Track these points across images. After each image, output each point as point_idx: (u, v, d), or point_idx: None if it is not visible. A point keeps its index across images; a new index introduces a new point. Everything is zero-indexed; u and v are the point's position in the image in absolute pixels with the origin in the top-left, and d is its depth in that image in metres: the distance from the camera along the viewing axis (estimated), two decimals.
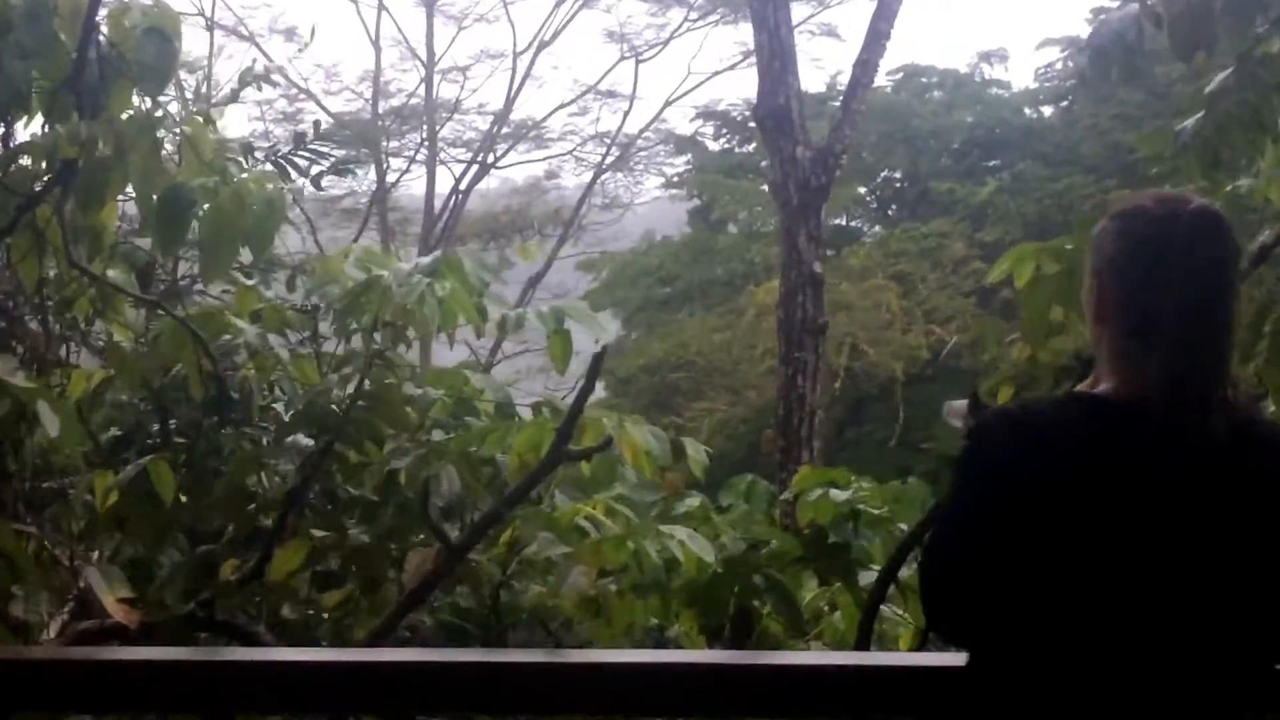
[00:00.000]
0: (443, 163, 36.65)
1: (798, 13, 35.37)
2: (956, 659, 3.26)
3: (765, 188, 27.61)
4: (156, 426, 7.10)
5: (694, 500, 7.82)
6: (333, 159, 11.60)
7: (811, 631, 7.07)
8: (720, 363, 31.14)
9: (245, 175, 6.50)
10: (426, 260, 6.73)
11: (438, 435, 6.74)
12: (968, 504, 3.10)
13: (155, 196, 6.24)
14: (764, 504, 10.09)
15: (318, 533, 5.98)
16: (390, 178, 36.89)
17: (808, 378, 11.25)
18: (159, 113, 6.32)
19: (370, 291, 6.45)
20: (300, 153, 11.69)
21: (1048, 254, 5.78)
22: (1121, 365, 3.18)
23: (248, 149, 11.72)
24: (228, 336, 6.78)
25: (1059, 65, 33.26)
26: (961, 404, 5.71)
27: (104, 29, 6.10)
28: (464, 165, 37.10)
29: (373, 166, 36.44)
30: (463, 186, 36.72)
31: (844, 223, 35.75)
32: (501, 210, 37.92)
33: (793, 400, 11.29)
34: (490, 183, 38.09)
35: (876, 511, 6.15)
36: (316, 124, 12.05)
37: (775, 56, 11.52)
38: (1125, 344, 3.17)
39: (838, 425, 28.37)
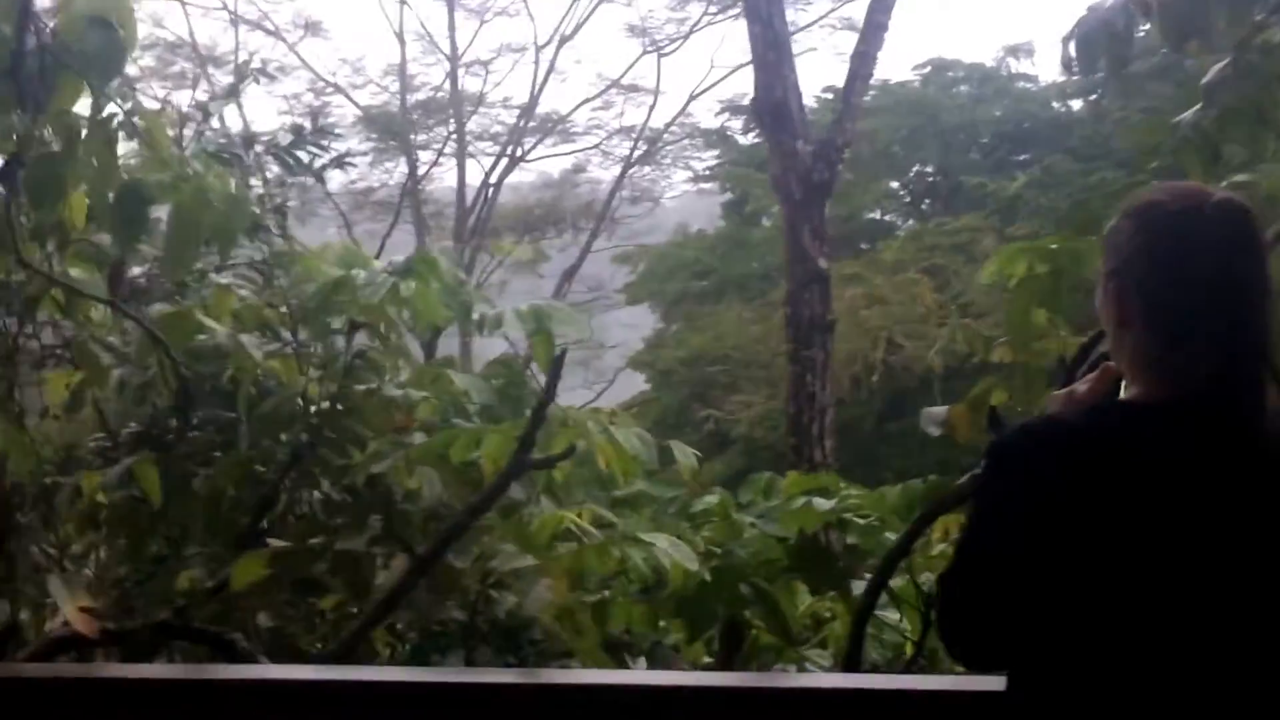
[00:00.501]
0: (471, 156, 36.62)
1: (819, 7, 35.79)
2: (953, 682, 3.05)
3: None
4: (174, 423, 6.86)
5: (713, 497, 7.58)
6: (334, 152, 11.38)
7: (813, 640, 6.80)
8: (758, 355, 30.88)
9: (209, 171, 6.24)
10: (401, 259, 6.49)
11: (421, 438, 6.49)
12: (993, 534, 2.87)
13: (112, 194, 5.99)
14: None
15: (276, 543, 5.70)
16: (420, 171, 36.79)
17: (817, 375, 10.92)
18: (110, 107, 6.03)
19: (340, 291, 6.21)
20: (301, 146, 11.50)
21: (1036, 254, 5.52)
22: (1153, 370, 2.99)
23: (249, 141, 11.52)
24: (203, 337, 6.54)
25: (1075, 75, 32.74)
26: (940, 411, 5.45)
27: (52, 19, 5.81)
28: (492, 159, 37.23)
29: (403, 160, 36.46)
30: (492, 180, 36.76)
31: (878, 217, 35.60)
32: (534, 203, 37.78)
33: (802, 398, 10.97)
34: (523, 176, 38.22)
35: (863, 521, 5.85)
36: (315, 116, 11.92)
37: (770, 48, 11.16)
38: (1155, 348, 2.98)
39: (878, 418, 28.12)
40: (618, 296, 36.97)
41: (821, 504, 5.82)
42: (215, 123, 11.36)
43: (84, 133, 5.73)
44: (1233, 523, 2.83)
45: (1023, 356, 5.34)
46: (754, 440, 29.03)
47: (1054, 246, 5.27)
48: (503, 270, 37.56)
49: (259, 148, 11.90)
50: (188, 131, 9.90)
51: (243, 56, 35.90)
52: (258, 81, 8.86)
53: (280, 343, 6.86)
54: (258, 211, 9.95)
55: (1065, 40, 5.76)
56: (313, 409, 6.39)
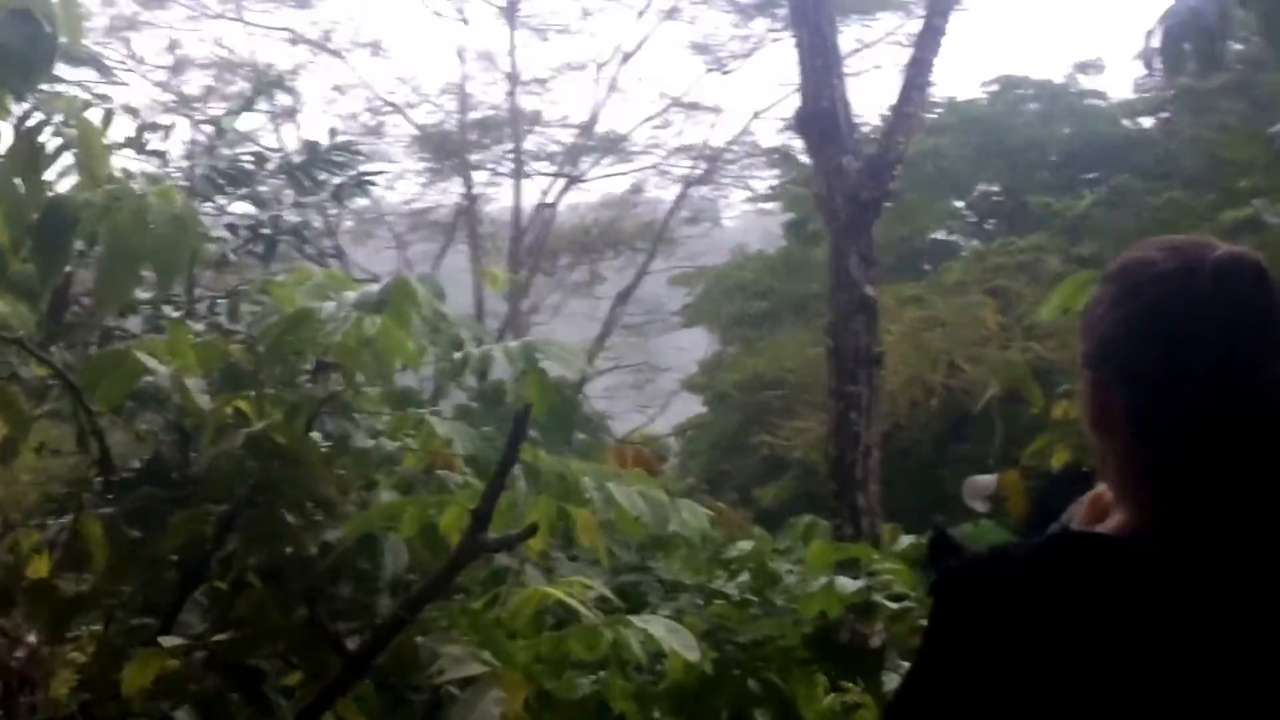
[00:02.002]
0: (527, 175, 36.07)
1: (888, 22, 35.07)
2: None
3: None
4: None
5: (747, 544, 6.78)
6: (354, 172, 10.47)
7: None
8: (815, 379, 29.97)
9: (153, 190, 5.32)
10: (375, 288, 5.57)
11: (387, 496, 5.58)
12: (926, 692, 2.20)
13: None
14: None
15: (170, 641, 4.76)
16: (476, 191, 36.31)
17: (862, 413, 9.86)
18: (38, 114, 5.16)
19: (300, 327, 5.30)
20: (316, 165, 10.58)
21: None
22: (1141, 490, 2.20)
23: (260, 159, 10.62)
24: (149, 378, 5.64)
25: (1158, 75, 31.89)
26: (988, 481, 4.52)
27: None
28: (549, 178, 36.60)
29: (459, 180, 36.10)
30: (549, 200, 36.15)
31: (941, 237, 34.73)
32: (591, 224, 37.25)
33: (845, 439, 9.92)
34: (580, 195, 37.68)
35: (895, 606, 4.88)
36: (332, 133, 11.05)
37: (818, 54, 10.12)
38: (1143, 460, 2.19)
39: (937, 441, 27.35)
40: (674, 319, 36.47)
41: (846, 585, 4.86)
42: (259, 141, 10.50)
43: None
44: (1231, 696, 2.07)
45: None
46: (810, 465, 28.23)
47: None
48: (559, 293, 37.00)
49: (271, 165, 11.14)
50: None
51: (299, 76, 35.57)
52: (272, 97, 8.08)
53: (247, 386, 5.97)
54: (227, 237, 9.07)
55: (1148, 35, 4.75)
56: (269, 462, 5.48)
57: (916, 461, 25.42)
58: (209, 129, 12.10)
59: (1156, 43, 4.99)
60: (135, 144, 8.85)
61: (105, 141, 6.07)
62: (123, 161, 9.04)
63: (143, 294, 5.96)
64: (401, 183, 36.89)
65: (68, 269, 5.72)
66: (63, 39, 5.41)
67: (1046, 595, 2.09)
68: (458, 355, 5.67)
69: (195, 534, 5.48)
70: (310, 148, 10.45)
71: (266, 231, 10.55)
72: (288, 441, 5.26)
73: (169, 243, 5.16)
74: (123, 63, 34.12)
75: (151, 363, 5.47)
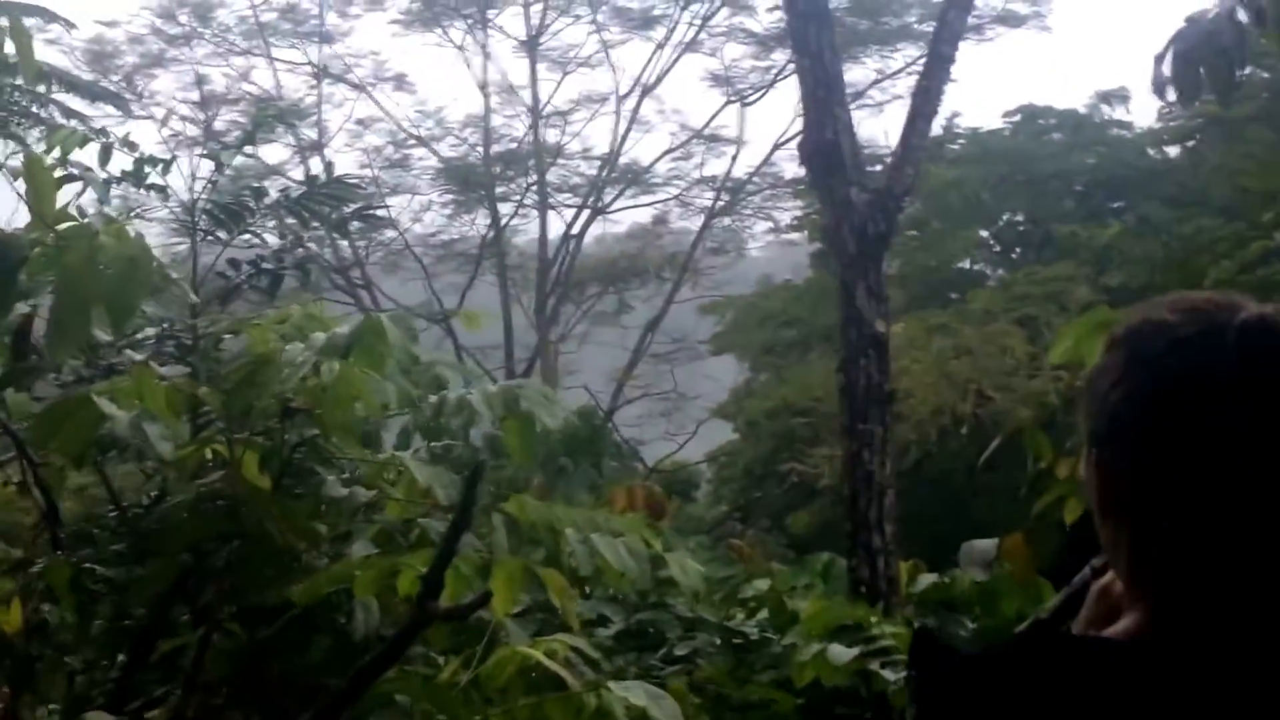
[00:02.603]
0: (552, 207, 35.88)
1: (909, 53, 34.77)
2: None
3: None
4: None
5: (763, 583, 6.49)
6: (355, 204, 10.10)
7: None
8: None
9: (107, 229, 4.96)
10: (345, 330, 5.20)
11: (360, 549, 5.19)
12: None
13: None
14: (842, 584, 9.03)
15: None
16: (502, 222, 36.16)
17: (875, 452, 9.42)
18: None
19: (263, 371, 4.93)
20: (315, 199, 10.20)
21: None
22: (1153, 587, 1.85)
23: (259, 193, 10.26)
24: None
25: (1171, 102, 31.53)
26: (986, 546, 4.13)
27: None
28: (573, 210, 36.58)
29: (484, 212, 36.01)
30: (574, 231, 36.19)
31: (967, 266, 34.39)
32: (617, 254, 37.02)
33: (859, 479, 9.47)
34: (606, 226, 37.61)
35: (893, 677, 4.46)
36: (329, 167, 10.70)
37: (820, 85, 9.67)
38: (1153, 553, 1.85)
39: (968, 471, 26.89)
40: (702, 348, 36.23)
41: (841, 654, 4.44)
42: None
43: None
44: None
45: None
46: (839, 492, 27.82)
47: None
48: (587, 322, 36.77)
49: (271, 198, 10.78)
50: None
51: (326, 110, 35.49)
52: (272, 130, 7.75)
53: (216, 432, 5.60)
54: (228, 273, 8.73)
55: (1159, 59, 4.35)
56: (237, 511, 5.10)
57: (949, 491, 24.99)
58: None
59: (1168, 68, 4.59)
60: (134, 178, 8.54)
61: (104, 175, 5.84)
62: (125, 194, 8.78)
63: (104, 335, 5.58)
64: (429, 214, 36.85)
65: (25, 311, 5.37)
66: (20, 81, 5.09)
67: (1036, 712, 1.75)
68: (432, 399, 5.32)
69: (160, 585, 5.14)
70: (309, 182, 10.08)
71: (269, 267, 10.19)
72: (252, 491, 4.89)
73: (122, 284, 4.81)
74: (149, 98, 34.17)
75: (110, 409, 5.11)
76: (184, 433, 5.49)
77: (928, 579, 8.21)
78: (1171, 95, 4.53)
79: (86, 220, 5.05)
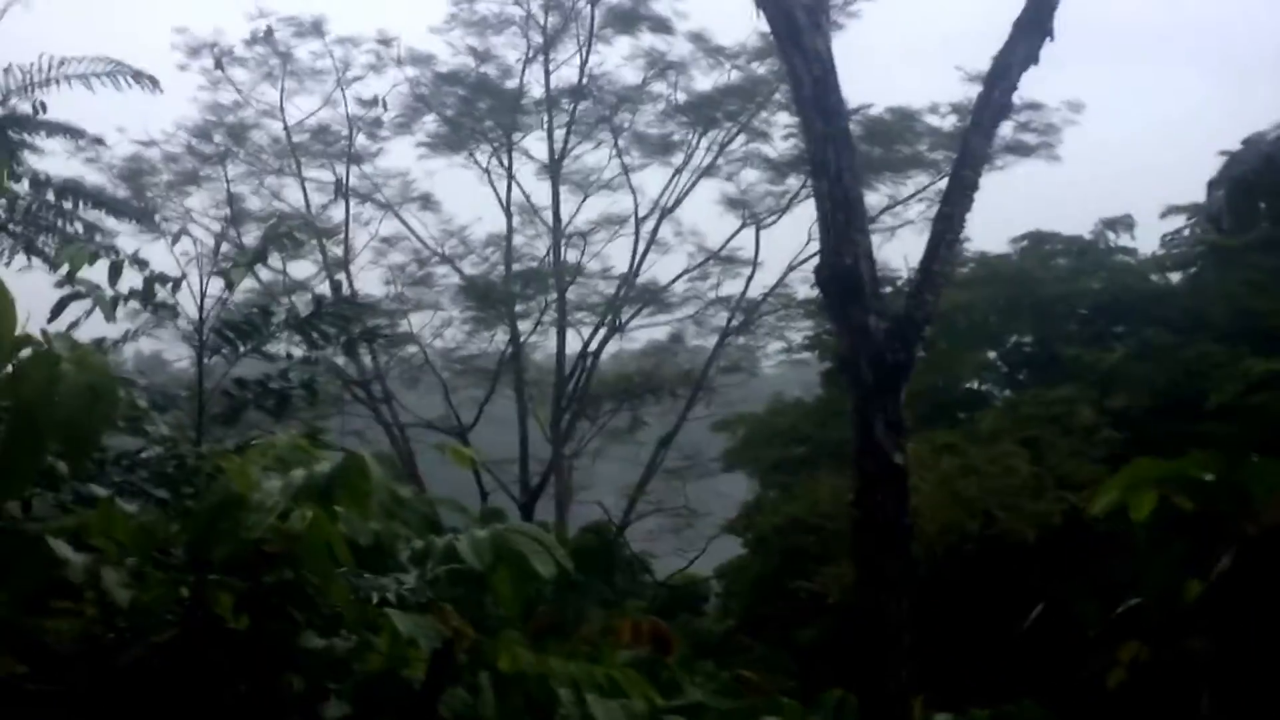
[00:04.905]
0: (570, 325, 35.57)
1: (919, 179, 34.62)
2: None
3: None
4: None
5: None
6: (361, 326, 9.56)
7: None
8: None
9: (70, 356, 4.39)
10: (325, 468, 4.61)
11: None
12: None
13: None
14: None
15: None
16: (521, 339, 35.93)
17: (892, 592, 8.73)
18: None
19: (231, 514, 4.35)
20: (322, 319, 9.67)
21: (1176, 483, 3.52)
22: None
23: (265, 314, 9.74)
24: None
25: (1185, 232, 31.40)
26: None
27: None
28: (591, 327, 36.35)
29: (502, 328, 35.87)
30: (591, 348, 36.09)
31: (975, 387, 34.02)
32: (634, 371, 36.74)
33: (872, 619, 8.74)
34: (622, 343, 37.49)
35: None
36: (336, 287, 10.25)
37: (839, 208, 9.06)
38: None
39: (974, 589, 26.41)
40: (714, 464, 35.82)
41: None
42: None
43: None
44: None
45: None
46: (847, 608, 27.25)
47: (1208, 477, 3.26)
48: (601, 437, 36.42)
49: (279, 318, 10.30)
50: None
51: (354, 228, 35.35)
52: (286, 247, 7.33)
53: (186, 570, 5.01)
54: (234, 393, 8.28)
55: (1213, 186, 3.81)
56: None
57: (954, 610, 24.38)
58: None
59: (1216, 195, 4.05)
60: (144, 296, 8.07)
61: (112, 293, 5.36)
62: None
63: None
64: (450, 330, 36.66)
65: None
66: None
67: None
68: (418, 545, 4.76)
69: None
70: (317, 302, 9.60)
71: (275, 386, 9.64)
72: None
73: (79, 415, 4.24)
74: (183, 215, 34.03)
75: (65, 551, 4.53)
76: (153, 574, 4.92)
77: (942, 718, 7.57)
78: (1224, 224, 3.98)
79: (46, 348, 4.48)
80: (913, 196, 35.01)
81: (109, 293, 6.97)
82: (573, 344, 36.03)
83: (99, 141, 21.15)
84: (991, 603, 24.01)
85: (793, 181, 34.99)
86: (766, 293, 36.51)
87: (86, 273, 6.47)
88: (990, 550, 25.73)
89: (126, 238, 20.01)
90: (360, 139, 35.88)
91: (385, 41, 35.20)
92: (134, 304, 7.76)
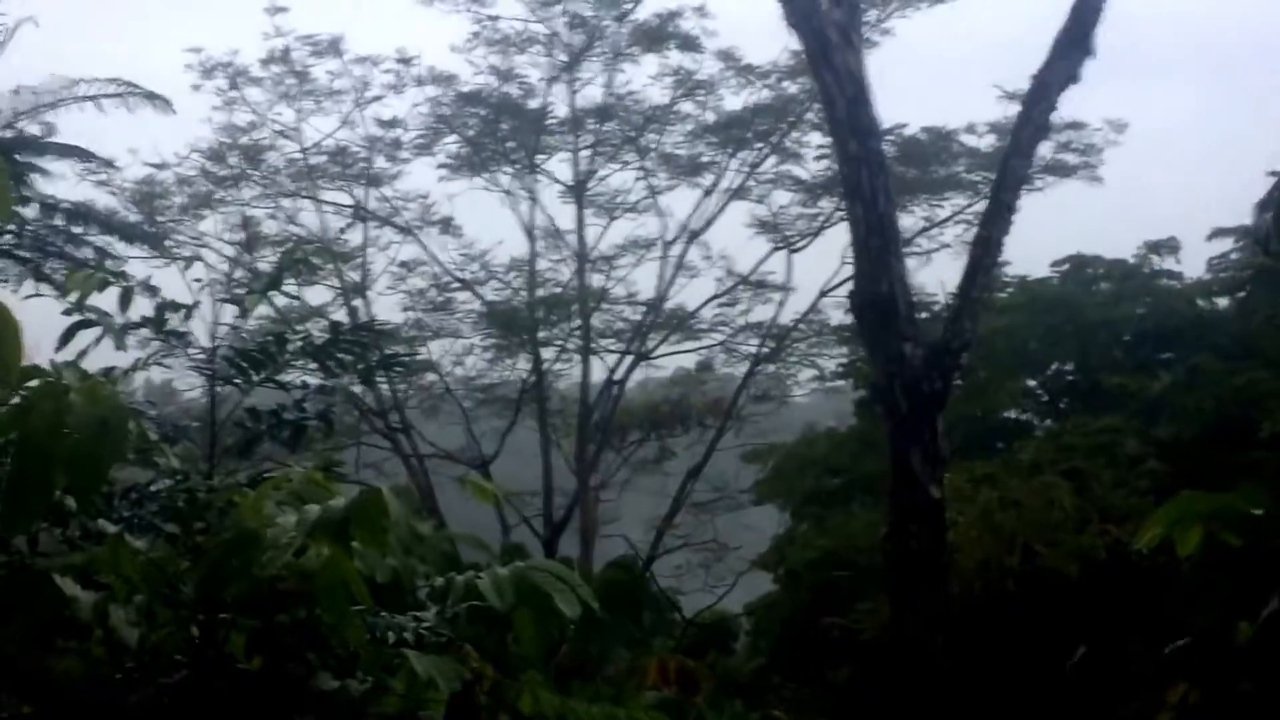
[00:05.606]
0: (595, 352, 35.48)
1: (956, 201, 34.43)
2: None
3: None
4: None
5: None
6: (382, 352, 9.56)
7: None
8: None
9: (79, 387, 4.39)
10: (340, 504, 4.59)
11: None
12: None
13: None
14: None
15: None
16: (544, 367, 35.87)
17: (927, 628, 8.68)
18: None
19: (242, 552, 4.34)
20: (338, 346, 9.64)
21: (1222, 519, 3.49)
22: None
23: (280, 342, 9.73)
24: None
25: (1233, 255, 31.25)
26: None
27: None
28: (617, 355, 36.24)
29: (524, 356, 35.77)
30: (617, 376, 35.96)
31: (1014, 416, 33.88)
32: (661, 400, 36.64)
33: (908, 656, 8.71)
34: (649, 371, 37.34)
35: None
36: (353, 313, 10.24)
37: (873, 232, 9.03)
38: None
39: (1017, 625, 26.24)
40: (744, 496, 35.67)
41: None
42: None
43: None
44: None
45: None
46: (881, 646, 27.12)
47: (1257, 512, 3.24)
48: (627, 469, 36.33)
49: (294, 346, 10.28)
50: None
51: (371, 252, 35.36)
52: (301, 272, 7.30)
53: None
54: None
55: (1261, 207, 3.75)
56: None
57: (994, 649, 24.23)
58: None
59: (1264, 217, 3.99)
60: (154, 324, 8.06)
61: (122, 321, 5.36)
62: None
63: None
64: (470, 358, 36.59)
65: None
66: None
67: None
68: (439, 582, 4.74)
69: None
70: (333, 328, 9.56)
71: (290, 417, 9.60)
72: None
73: (88, 448, 4.23)
74: (196, 239, 34.09)
75: (73, 589, 4.53)
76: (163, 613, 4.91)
77: None
78: (1275, 245, 3.94)
79: (54, 378, 4.47)
80: (949, 219, 34.86)
81: (119, 320, 6.96)
82: (598, 372, 36.05)
83: (109, 164, 21.28)
84: (1033, 641, 23.83)
85: (826, 204, 34.88)
86: (798, 319, 36.45)
87: (96, 300, 6.46)
88: (1031, 586, 25.51)
89: (137, 263, 20.13)
90: (379, 161, 35.98)
91: (405, 60, 35.26)
92: (144, 332, 7.77)
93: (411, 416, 35.45)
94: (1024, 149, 9.80)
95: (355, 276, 34.93)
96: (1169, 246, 32.85)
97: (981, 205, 27.01)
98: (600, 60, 35.63)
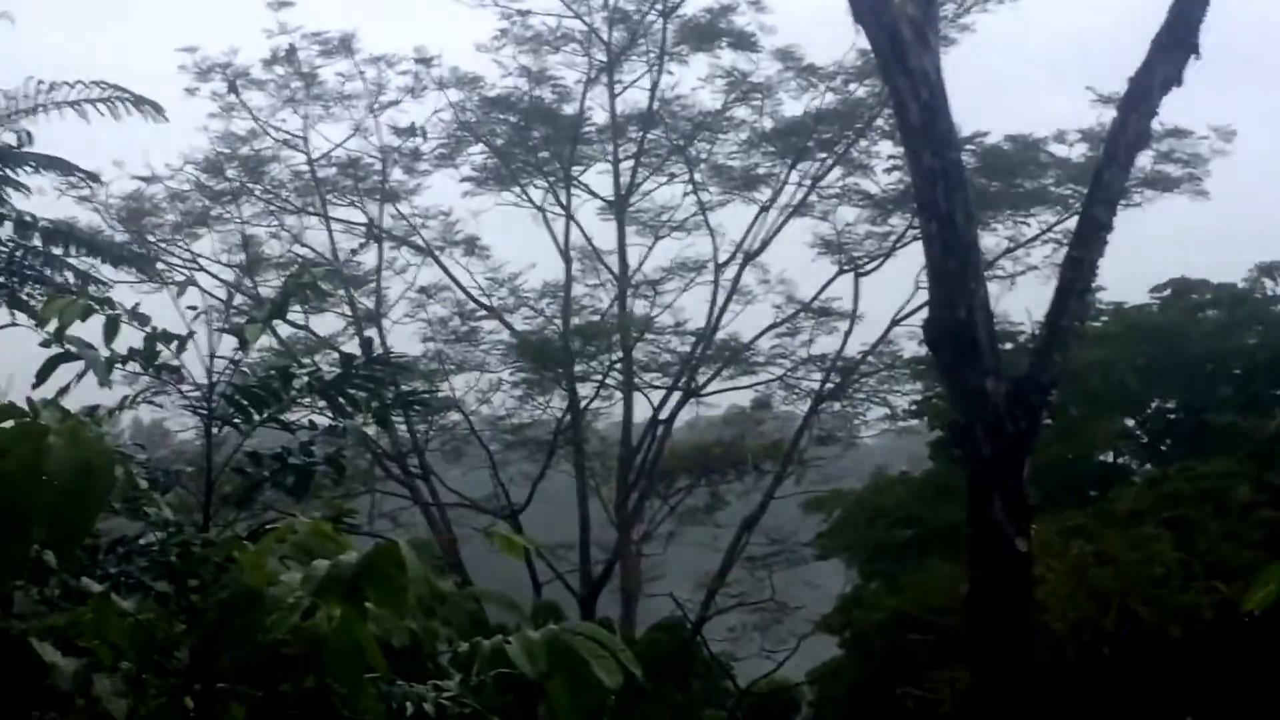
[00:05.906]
0: (638, 388, 35.43)
1: (1045, 219, 34.39)
2: None
3: None
4: None
5: None
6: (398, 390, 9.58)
7: None
8: None
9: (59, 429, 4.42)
10: (351, 559, 4.62)
11: None
12: None
13: None
14: None
15: None
16: (581, 405, 35.82)
17: (1013, 701, 8.66)
18: None
19: (244, 613, 4.37)
20: (350, 383, 9.69)
21: None
22: None
23: (285, 377, 9.78)
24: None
25: None
26: None
27: None
28: (662, 391, 36.14)
29: (559, 393, 35.75)
30: (663, 415, 35.73)
31: (1109, 460, 33.87)
32: (712, 442, 36.55)
33: None
34: (699, 409, 37.20)
35: None
36: (368, 345, 10.28)
37: (951, 253, 9.01)
38: None
39: (1113, 694, 26.26)
40: (806, 550, 35.62)
41: None
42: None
43: None
44: None
45: None
46: (964, 718, 27.14)
47: None
48: (674, 519, 36.29)
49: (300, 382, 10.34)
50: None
51: (387, 276, 35.48)
52: (305, 301, 7.31)
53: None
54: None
55: None
56: None
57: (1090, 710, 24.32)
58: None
59: None
60: (144, 357, 8.12)
61: (108, 353, 5.42)
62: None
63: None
64: (498, 395, 36.60)
65: None
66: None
67: None
68: (463, 647, 4.77)
69: None
70: (345, 362, 9.61)
71: (296, 462, 9.64)
72: None
73: (69, 496, 4.26)
74: (190, 262, 34.24)
75: (52, 656, 4.58)
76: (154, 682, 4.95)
77: None
78: None
79: (31, 419, 4.51)
80: (1037, 238, 34.79)
81: (104, 353, 7.00)
82: (641, 410, 36.03)
83: (93, 177, 21.41)
84: (1131, 712, 23.80)
85: (897, 221, 35.02)
86: (867, 350, 36.43)
87: (78, 329, 6.50)
88: (1129, 650, 25.49)
89: (125, 288, 20.25)
90: (395, 173, 36.16)
91: (425, 61, 35.42)
92: (133, 366, 7.81)
93: (432, 460, 35.48)
94: (1120, 159, 9.80)
95: (369, 303, 35.08)
96: None
97: (1072, 222, 27.00)
98: (644, 60, 35.79)
